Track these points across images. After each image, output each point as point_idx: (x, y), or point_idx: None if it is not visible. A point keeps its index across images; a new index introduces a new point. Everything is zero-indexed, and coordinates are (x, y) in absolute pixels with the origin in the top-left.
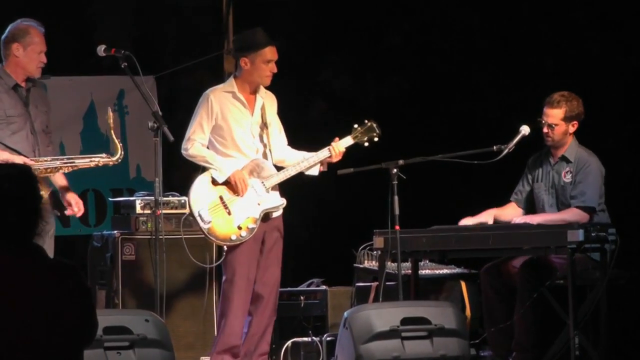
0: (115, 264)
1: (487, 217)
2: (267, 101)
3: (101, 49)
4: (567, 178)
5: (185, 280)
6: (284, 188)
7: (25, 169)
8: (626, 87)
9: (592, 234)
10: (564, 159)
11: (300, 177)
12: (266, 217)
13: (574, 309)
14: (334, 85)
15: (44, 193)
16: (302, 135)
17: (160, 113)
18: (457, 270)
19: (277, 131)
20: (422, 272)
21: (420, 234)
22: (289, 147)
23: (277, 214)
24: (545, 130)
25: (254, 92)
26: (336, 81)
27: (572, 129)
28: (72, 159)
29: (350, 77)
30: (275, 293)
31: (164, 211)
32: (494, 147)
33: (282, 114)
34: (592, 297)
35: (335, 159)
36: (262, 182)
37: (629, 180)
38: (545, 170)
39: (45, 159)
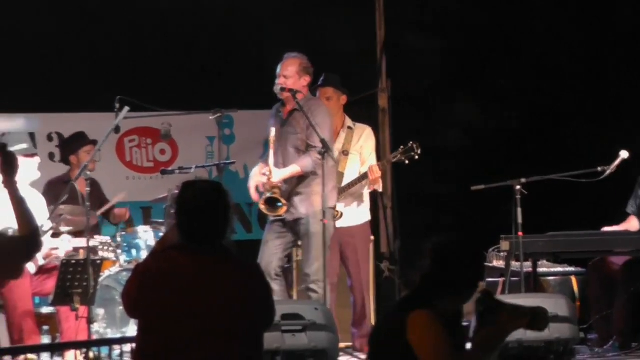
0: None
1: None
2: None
3: (278, 88)
4: None
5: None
6: (426, 204)
7: (215, 185)
8: None
9: None
10: None
11: (444, 194)
12: None
13: None
14: (465, 116)
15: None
16: (437, 158)
17: (326, 141)
18: (569, 268)
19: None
20: (541, 270)
21: (538, 239)
22: None
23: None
24: None
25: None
26: (467, 112)
27: None
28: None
29: (478, 108)
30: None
31: None
32: (599, 168)
33: (421, 140)
34: None
35: (374, 176)
36: None
37: None
38: None
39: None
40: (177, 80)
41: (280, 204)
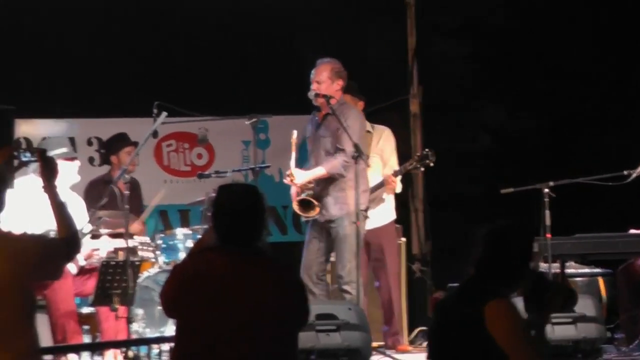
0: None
1: None
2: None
3: (312, 94)
4: None
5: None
6: (456, 206)
7: (251, 188)
8: None
9: None
10: None
11: (474, 196)
12: None
13: None
14: (493, 120)
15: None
16: (467, 162)
17: (359, 145)
18: (596, 269)
19: None
20: (568, 271)
21: (566, 240)
22: None
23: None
24: None
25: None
26: (494, 117)
27: None
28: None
29: (506, 113)
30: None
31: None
32: (624, 172)
33: (450, 145)
34: None
35: (390, 185)
36: None
37: None
38: None
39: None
40: (213, 85)
41: (313, 206)
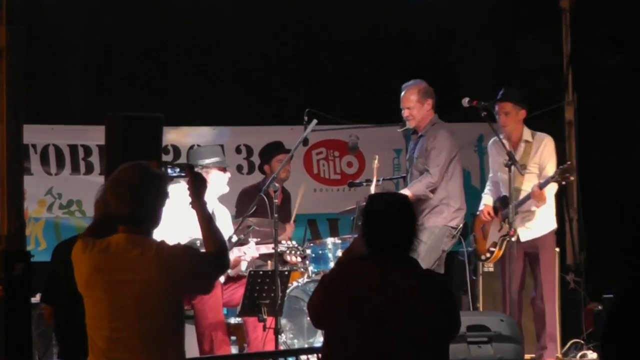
0: (477, 274)
1: None
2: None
3: (465, 101)
4: None
5: (531, 288)
6: (611, 216)
7: (401, 197)
8: None
9: None
10: None
11: (629, 205)
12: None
13: None
14: None
15: None
16: (621, 171)
17: (513, 153)
18: None
19: None
20: None
21: None
22: None
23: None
24: None
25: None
26: None
27: None
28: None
29: None
30: None
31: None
32: None
33: (605, 154)
34: None
35: (537, 199)
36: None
37: None
38: None
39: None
40: (364, 93)
41: None
